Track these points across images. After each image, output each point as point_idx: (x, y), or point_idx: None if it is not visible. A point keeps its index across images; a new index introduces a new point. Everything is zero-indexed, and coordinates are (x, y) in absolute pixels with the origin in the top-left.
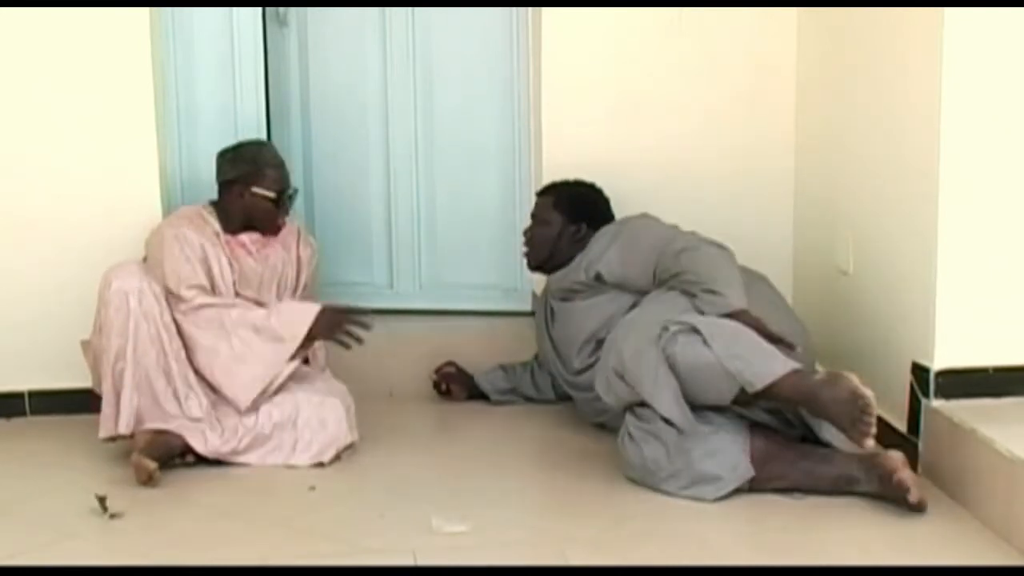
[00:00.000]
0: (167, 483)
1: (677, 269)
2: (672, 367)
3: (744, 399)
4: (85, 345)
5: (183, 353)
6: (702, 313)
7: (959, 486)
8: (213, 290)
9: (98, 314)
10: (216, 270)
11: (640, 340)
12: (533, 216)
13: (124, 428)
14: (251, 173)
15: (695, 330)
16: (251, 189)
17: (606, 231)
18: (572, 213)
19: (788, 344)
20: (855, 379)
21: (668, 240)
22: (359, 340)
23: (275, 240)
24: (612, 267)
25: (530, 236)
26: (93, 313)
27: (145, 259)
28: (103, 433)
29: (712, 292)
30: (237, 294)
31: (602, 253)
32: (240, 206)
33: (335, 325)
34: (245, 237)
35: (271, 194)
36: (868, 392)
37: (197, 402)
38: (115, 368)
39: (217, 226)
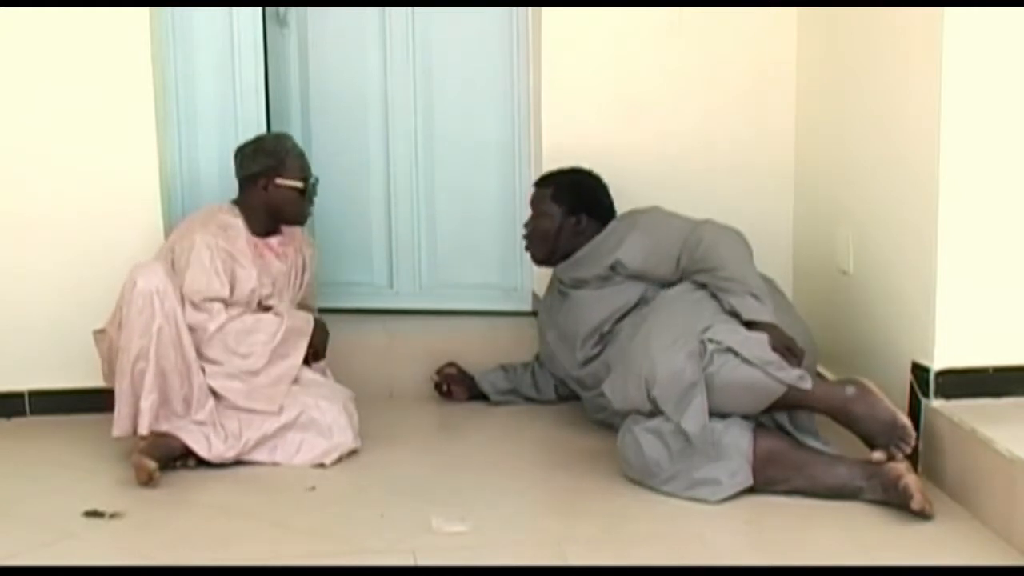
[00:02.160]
0: (167, 483)
1: (705, 264)
2: (708, 384)
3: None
4: (99, 335)
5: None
6: (734, 312)
7: (959, 486)
8: (233, 304)
9: (119, 310)
10: (243, 285)
11: (677, 355)
12: (532, 206)
13: (143, 429)
14: (274, 165)
15: (731, 350)
16: (275, 181)
17: (621, 222)
18: (571, 204)
19: (800, 355)
20: (889, 401)
21: (690, 228)
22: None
23: (291, 240)
24: (633, 255)
25: (530, 230)
26: (93, 313)
27: (169, 257)
28: (117, 432)
29: (753, 296)
30: (260, 303)
31: (620, 242)
32: (264, 200)
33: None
34: (273, 240)
35: (298, 183)
36: (909, 422)
37: (204, 406)
38: (135, 368)
39: (247, 232)
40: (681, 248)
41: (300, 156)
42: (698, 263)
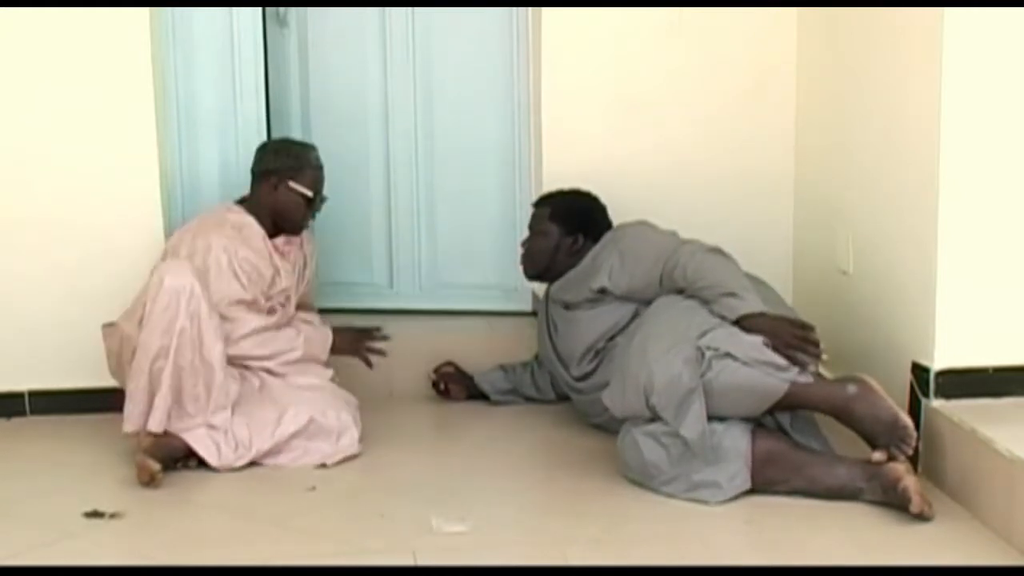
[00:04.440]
0: (168, 483)
1: (685, 283)
2: (707, 389)
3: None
4: (109, 329)
5: (224, 358)
6: (722, 318)
7: (959, 486)
8: (256, 300)
9: (141, 306)
10: (264, 280)
11: (674, 361)
12: (530, 227)
13: (156, 427)
14: (293, 168)
15: (729, 354)
16: (288, 183)
17: (604, 244)
18: (569, 224)
19: (810, 327)
20: (891, 400)
21: (670, 251)
22: (382, 352)
23: (293, 238)
24: (617, 282)
25: (527, 247)
26: (94, 313)
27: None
28: (131, 428)
29: (731, 295)
30: (268, 299)
31: (604, 268)
32: (272, 200)
33: (353, 347)
34: (278, 240)
35: (308, 192)
36: (910, 422)
37: (221, 411)
38: (154, 366)
39: (260, 230)
40: (662, 270)
41: (318, 170)
42: (677, 283)
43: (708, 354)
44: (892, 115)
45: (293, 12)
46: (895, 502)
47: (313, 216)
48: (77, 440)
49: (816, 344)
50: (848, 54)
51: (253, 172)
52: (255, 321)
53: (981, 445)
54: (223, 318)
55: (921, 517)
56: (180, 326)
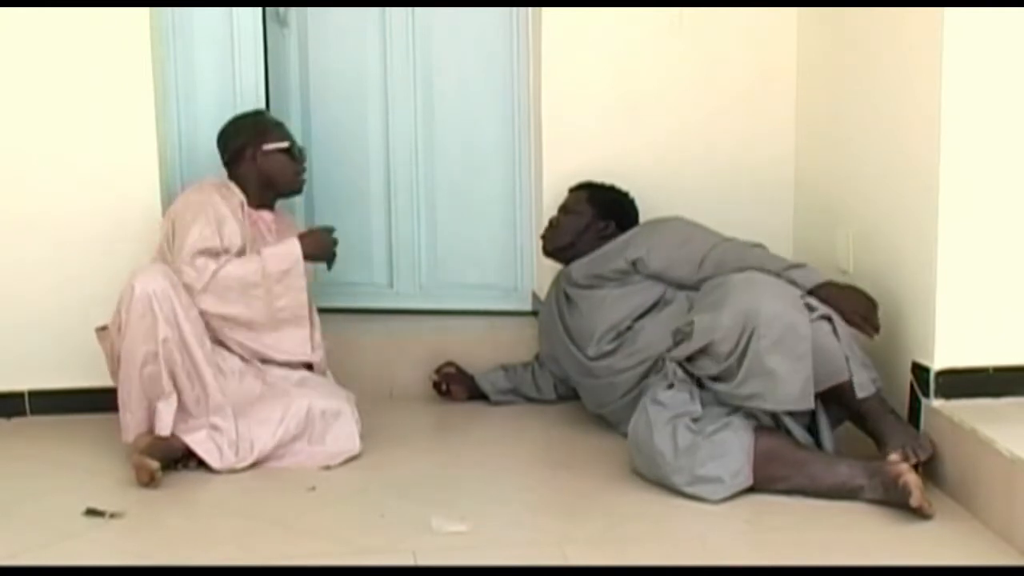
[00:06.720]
0: (167, 483)
1: (742, 263)
2: None
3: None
4: (102, 332)
5: (209, 359)
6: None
7: (959, 486)
8: (220, 256)
9: (118, 315)
10: (229, 240)
11: (784, 299)
12: (562, 208)
13: (164, 431)
14: (257, 133)
15: (828, 318)
16: (262, 148)
17: (640, 228)
18: (604, 209)
19: (875, 304)
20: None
21: (717, 241)
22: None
23: (283, 221)
24: (654, 256)
25: (556, 222)
26: (94, 313)
27: (168, 231)
28: (130, 437)
29: (799, 266)
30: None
31: (642, 243)
32: (256, 170)
33: (322, 245)
34: (265, 214)
35: (283, 144)
36: (930, 439)
37: (222, 410)
38: (143, 372)
39: (241, 196)
40: (706, 253)
41: (279, 125)
42: (729, 264)
43: (818, 311)
44: (892, 115)
45: (293, 12)
46: (895, 499)
47: (303, 166)
48: (77, 440)
49: (877, 328)
50: (848, 53)
51: (226, 162)
52: (214, 265)
53: (981, 445)
54: (189, 266)
55: (921, 512)
56: (162, 335)
